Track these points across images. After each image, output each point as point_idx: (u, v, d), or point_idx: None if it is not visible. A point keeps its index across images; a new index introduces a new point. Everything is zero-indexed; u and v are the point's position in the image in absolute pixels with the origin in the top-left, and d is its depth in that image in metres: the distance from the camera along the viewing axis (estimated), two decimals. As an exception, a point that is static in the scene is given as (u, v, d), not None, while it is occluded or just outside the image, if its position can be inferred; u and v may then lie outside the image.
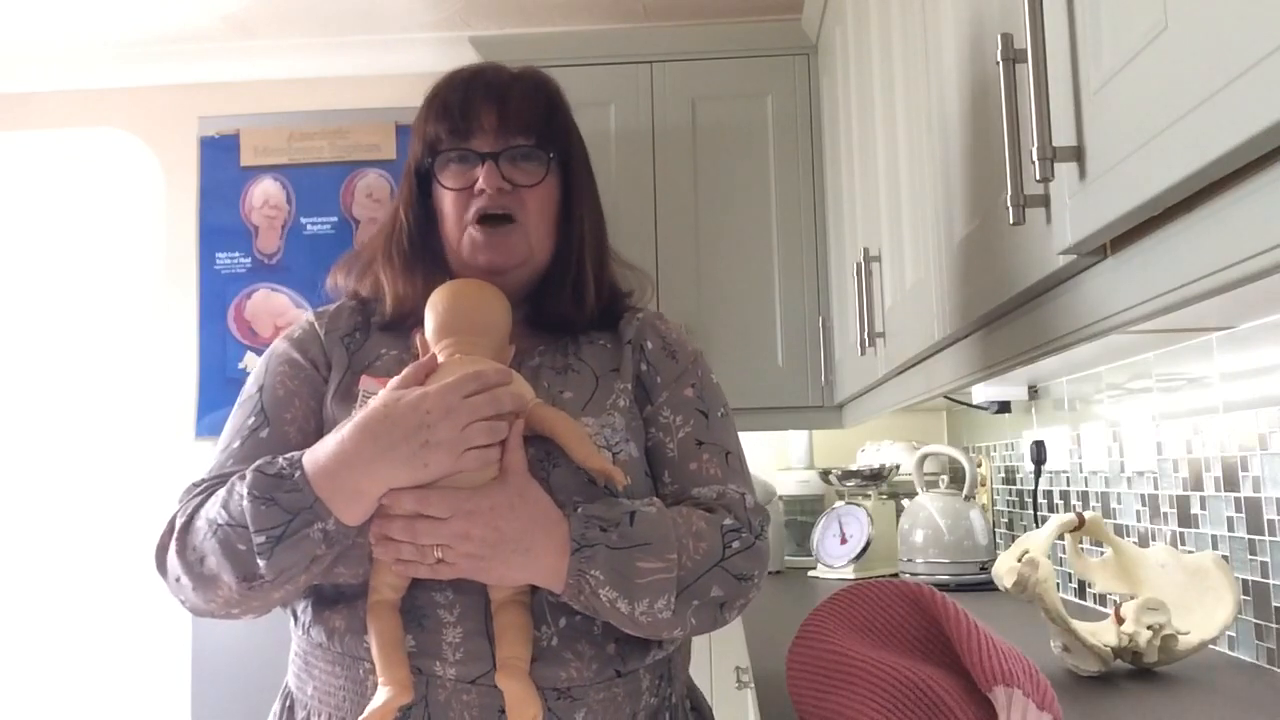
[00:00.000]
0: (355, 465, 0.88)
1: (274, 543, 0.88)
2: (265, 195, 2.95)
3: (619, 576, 0.89)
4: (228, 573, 0.90)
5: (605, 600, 0.89)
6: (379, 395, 0.92)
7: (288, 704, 1.01)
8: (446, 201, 1.07)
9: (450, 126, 1.06)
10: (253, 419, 1.02)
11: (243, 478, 0.91)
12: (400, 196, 1.13)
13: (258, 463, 0.92)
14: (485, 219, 1.05)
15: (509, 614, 0.92)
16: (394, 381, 0.93)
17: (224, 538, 0.90)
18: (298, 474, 0.89)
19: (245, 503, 0.89)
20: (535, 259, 1.09)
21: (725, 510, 0.99)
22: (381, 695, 0.87)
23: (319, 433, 0.98)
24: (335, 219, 2.92)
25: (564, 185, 1.11)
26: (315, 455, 0.90)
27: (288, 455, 0.92)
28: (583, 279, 1.10)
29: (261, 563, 0.88)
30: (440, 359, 0.96)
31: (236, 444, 1.01)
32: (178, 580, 0.94)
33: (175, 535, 0.94)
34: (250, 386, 1.06)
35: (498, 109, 1.06)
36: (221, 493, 0.92)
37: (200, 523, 0.93)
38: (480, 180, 1.04)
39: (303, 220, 2.93)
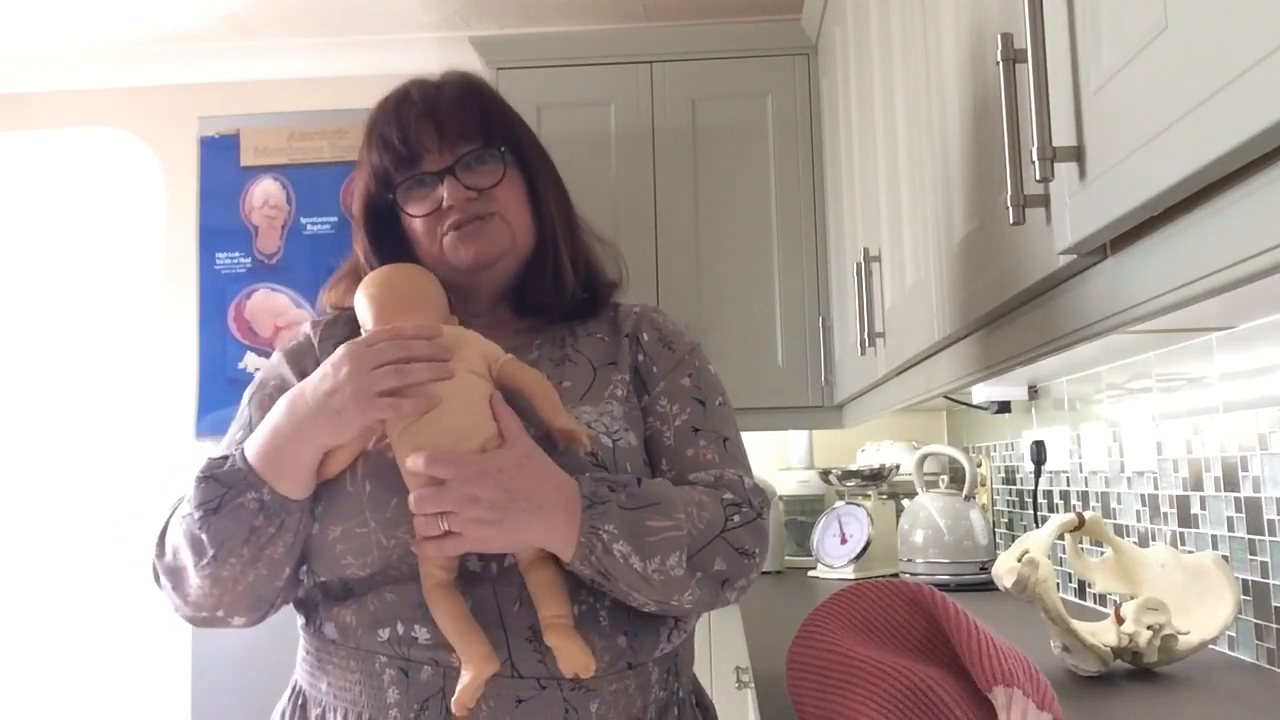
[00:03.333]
0: (280, 431, 0.92)
1: (211, 513, 0.91)
2: (265, 195, 2.95)
3: (631, 533, 0.90)
4: (187, 556, 0.93)
5: (619, 556, 0.89)
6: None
7: (299, 702, 1.01)
8: (418, 227, 1.08)
9: (395, 157, 1.07)
10: (240, 433, 1.03)
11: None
12: (356, 240, 1.13)
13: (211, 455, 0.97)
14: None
15: (540, 573, 0.92)
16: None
17: (185, 527, 0.93)
18: (237, 452, 0.94)
19: (192, 487, 0.93)
20: (519, 247, 1.09)
21: (725, 488, 1.00)
22: (466, 675, 0.88)
23: None
24: (335, 219, 2.92)
25: (524, 172, 1.11)
26: (254, 435, 0.95)
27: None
28: (559, 260, 1.11)
29: (204, 537, 0.91)
30: None
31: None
32: (164, 586, 0.98)
33: (157, 541, 0.98)
34: (245, 399, 1.07)
35: (434, 125, 1.06)
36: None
37: (173, 522, 0.96)
38: (445, 198, 1.05)
39: (303, 220, 2.94)
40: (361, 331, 1.02)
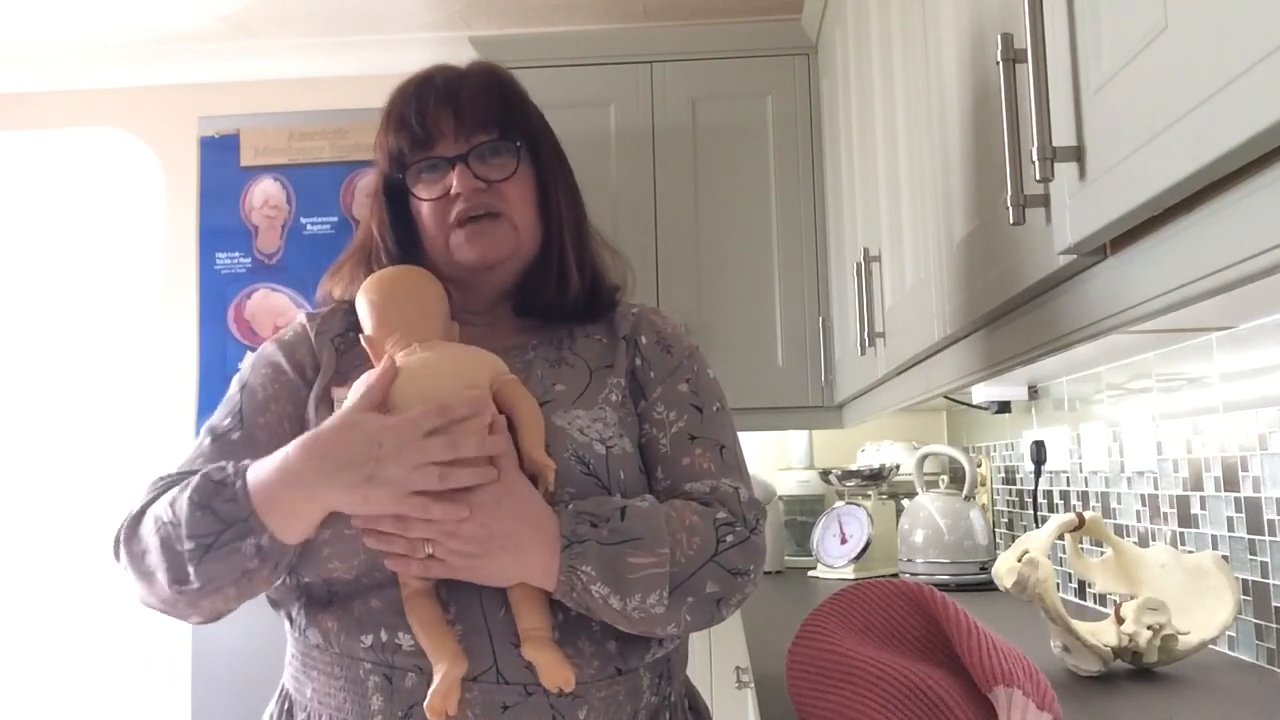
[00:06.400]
0: (295, 485, 0.87)
1: (204, 550, 0.87)
2: (265, 195, 2.95)
3: (610, 573, 0.88)
4: (162, 571, 0.89)
5: (597, 596, 0.89)
6: (337, 413, 0.91)
7: (286, 706, 1.00)
8: (425, 212, 1.07)
9: (410, 138, 1.06)
10: (229, 420, 1.02)
11: (195, 479, 0.90)
12: (372, 215, 1.11)
13: (209, 467, 0.91)
14: (468, 219, 1.05)
15: (521, 585, 0.91)
16: (354, 392, 0.92)
17: (164, 536, 0.89)
18: (239, 484, 0.88)
19: (184, 506, 0.88)
20: (524, 250, 1.09)
21: (719, 504, 0.98)
22: (436, 675, 0.87)
23: (292, 437, 0.93)
24: (335, 219, 2.92)
25: (537, 171, 1.10)
26: (260, 468, 0.89)
27: (238, 464, 0.91)
28: (565, 263, 1.10)
29: (190, 569, 0.87)
30: (398, 359, 0.94)
31: (208, 441, 1.01)
32: (125, 570, 0.93)
33: (127, 525, 0.94)
34: (234, 386, 1.06)
35: (453, 111, 1.05)
36: (174, 490, 0.91)
37: (149, 516, 0.92)
38: (454, 185, 1.04)
39: (303, 220, 2.94)
40: (361, 333, 1.01)
